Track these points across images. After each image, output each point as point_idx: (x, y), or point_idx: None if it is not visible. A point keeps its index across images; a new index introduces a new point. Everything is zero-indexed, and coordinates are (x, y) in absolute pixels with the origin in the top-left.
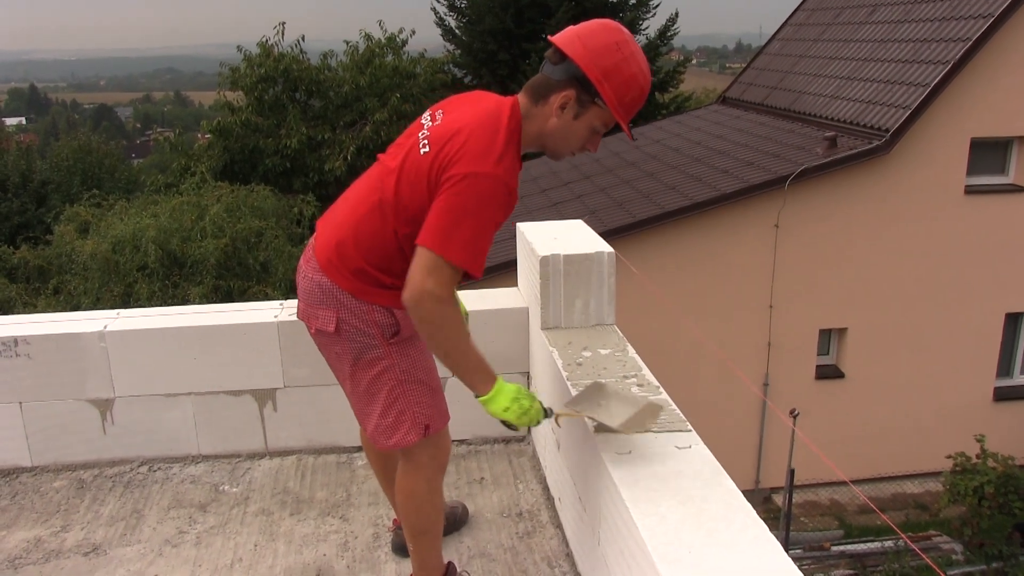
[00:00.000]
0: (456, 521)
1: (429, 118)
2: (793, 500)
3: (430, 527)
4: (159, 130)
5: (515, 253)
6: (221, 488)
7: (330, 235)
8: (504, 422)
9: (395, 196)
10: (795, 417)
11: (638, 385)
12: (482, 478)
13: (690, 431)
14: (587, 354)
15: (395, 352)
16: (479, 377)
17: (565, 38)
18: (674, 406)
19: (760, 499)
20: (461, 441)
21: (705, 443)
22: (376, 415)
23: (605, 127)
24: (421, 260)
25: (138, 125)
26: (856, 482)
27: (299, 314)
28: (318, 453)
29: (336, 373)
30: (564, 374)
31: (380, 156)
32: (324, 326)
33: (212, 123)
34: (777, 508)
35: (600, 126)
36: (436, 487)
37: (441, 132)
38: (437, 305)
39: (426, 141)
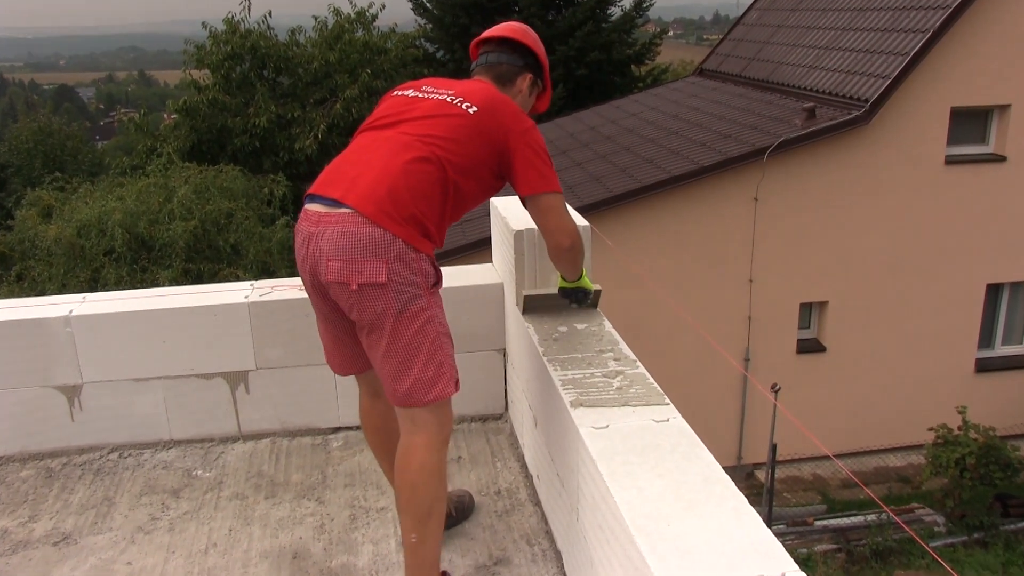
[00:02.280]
0: (464, 509)
1: (430, 90)
2: (776, 476)
3: (438, 506)
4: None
5: (490, 230)
6: (194, 473)
7: (373, 185)
8: (583, 295)
9: (451, 147)
10: (776, 392)
11: (615, 359)
12: (459, 457)
13: (668, 404)
14: (563, 329)
15: (434, 303)
16: (581, 266)
17: (515, 33)
18: (652, 380)
19: (742, 475)
20: None
21: (684, 418)
22: (417, 368)
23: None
24: (550, 204)
25: (101, 106)
26: (839, 456)
27: (329, 275)
28: (292, 435)
29: (368, 334)
30: (540, 350)
31: (369, 130)
32: (372, 278)
33: (178, 102)
34: (760, 484)
35: (535, 99)
36: (444, 460)
37: (481, 96)
38: (581, 238)
39: (465, 102)
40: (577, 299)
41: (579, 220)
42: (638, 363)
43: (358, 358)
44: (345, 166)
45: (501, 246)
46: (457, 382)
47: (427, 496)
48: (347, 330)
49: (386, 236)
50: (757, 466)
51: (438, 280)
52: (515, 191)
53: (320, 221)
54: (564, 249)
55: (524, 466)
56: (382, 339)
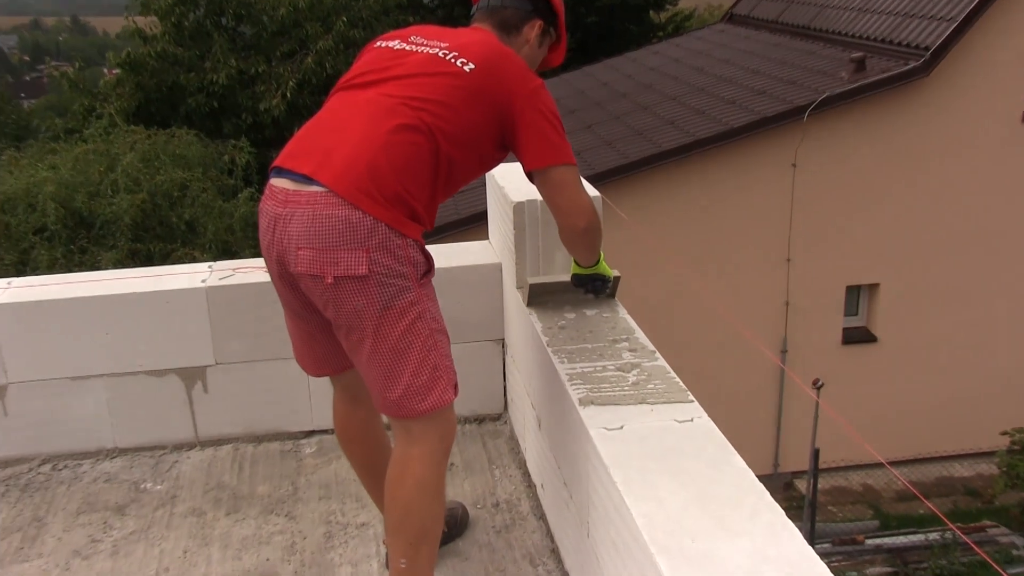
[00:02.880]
0: (457, 524)
1: (419, 42)
2: (819, 486)
3: (434, 529)
4: (54, 64)
5: (485, 202)
6: (142, 486)
7: (350, 159)
8: (602, 281)
9: (444, 113)
10: (819, 388)
11: (631, 350)
12: (452, 464)
13: (692, 402)
14: (570, 315)
15: (425, 296)
16: (599, 249)
17: None
18: (673, 374)
19: (780, 485)
20: None
21: (712, 418)
22: (408, 374)
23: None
24: (563, 178)
25: (26, 58)
26: (893, 464)
27: (300, 266)
28: (258, 441)
29: (348, 335)
30: (544, 339)
31: (346, 89)
32: (351, 270)
33: (121, 55)
34: (800, 495)
35: (547, 51)
36: (443, 476)
37: (479, 51)
38: (598, 217)
39: (461, 58)
40: (594, 288)
41: (589, 191)
42: (657, 355)
43: (333, 356)
44: (317, 134)
45: (499, 221)
46: (456, 386)
47: (423, 517)
48: (321, 326)
49: (366, 220)
50: (797, 475)
51: (429, 268)
52: (520, 164)
53: (288, 201)
54: (579, 231)
55: (526, 474)
56: (365, 341)
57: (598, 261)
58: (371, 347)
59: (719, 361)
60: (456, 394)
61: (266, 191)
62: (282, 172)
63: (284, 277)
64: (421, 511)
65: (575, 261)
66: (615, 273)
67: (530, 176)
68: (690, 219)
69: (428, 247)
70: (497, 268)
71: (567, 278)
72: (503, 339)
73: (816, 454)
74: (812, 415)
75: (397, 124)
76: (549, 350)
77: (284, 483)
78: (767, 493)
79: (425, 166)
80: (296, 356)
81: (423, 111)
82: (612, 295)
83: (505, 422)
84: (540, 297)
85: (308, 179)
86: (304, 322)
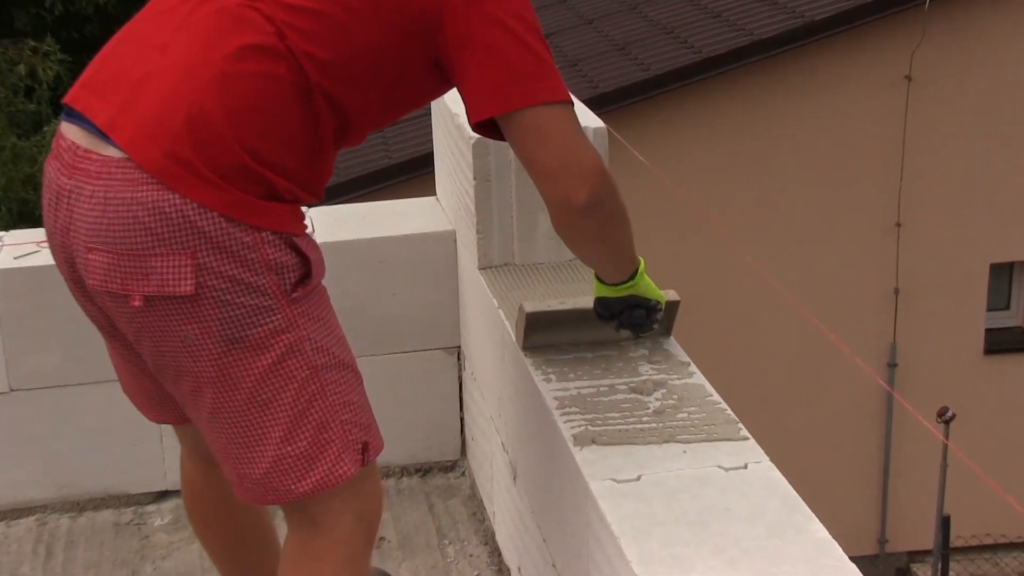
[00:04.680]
0: None
1: None
2: (950, 573)
3: None
4: None
5: (430, 140)
6: None
7: (162, 105)
8: (644, 314)
9: (318, 30)
10: (947, 422)
11: (651, 361)
12: (382, 539)
13: (746, 439)
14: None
15: (302, 316)
16: (631, 254)
17: None
18: (717, 397)
19: (890, 571)
20: None
21: (776, 464)
22: (275, 441)
23: None
24: (546, 122)
25: None
26: None
27: (92, 278)
28: (78, 509)
29: (177, 380)
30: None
31: None
32: (168, 286)
33: None
34: None
35: None
36: (362, 571)
37: None
38: (613, 185)
39: None
40: (633, 321)
41: (588, 121)
42: (692, 367)
43: (173, 400)
44: (124, 56)
45: (451, 166)
46: (368, 446)
47: None
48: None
49: (188, 207)
50: (916, 556)
51: (308, 272)
52: (466, 112)
53: (76, 167)
54: (579, 210)
55: (495, 552)
56: (203, 392)
57: (634, 274)
58: (214, 401)
59: (789, 379)
60: (366, 461)
61: (54, 141)
62: (73, 114)
63: (78, 283)
64: None
65: (596, 276)
66: (669, 296)
67: (485, 128)
68: (743, 160)
69: (335, 208)
70: (449, 238)
71: (587, 303)
72: (459, 348)
73: (945, 525)
74: (938, 464)
75: (241, 45)
76: (529, 362)
77: (120, 574)
78: None
79: (289, 113)
80: (124, 390)
81: (284, 24)
82: (667, 332)
83: (463, 473)
84: (543, 334)
85: (104, 135)
86: (123, 346)
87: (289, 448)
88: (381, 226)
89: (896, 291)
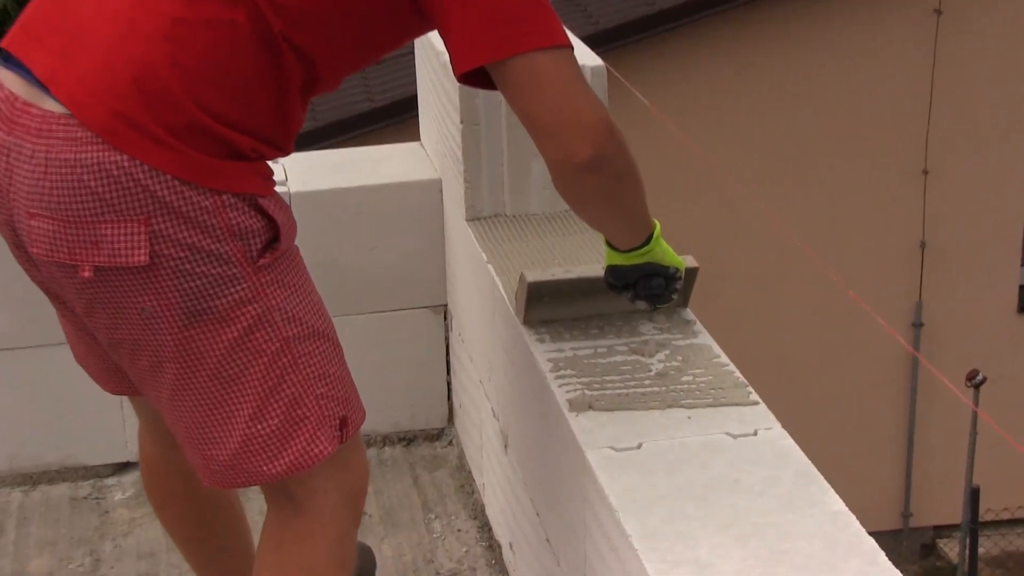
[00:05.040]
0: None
1: None
2: (979, 550)
3: None
4: None
5: (415, 83)
6: None
7: (106, 56)
8: (662, 281)
9: None
10: (977, 386)
11: (652, 321)
12: (364, 513)
13: (756, 404)
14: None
15: (270, 284)
16: (647, 218)
17: None
18: (725, 359)
19: (915, 547)
20: None
21: (790, 432)
22: (244, 420)
23: None
24: (542, 69)
25: None
26: None
27: (36, 247)
28: (31, 482)
29: (133, 357)
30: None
31: None
32: (121, 256)
33: None
34: (948, 564)
35: None
36: (349, 551)
37: None
38: (621, 139)
39: None
40: (649, 291)
41: (586, 59)
42: (698, 326)
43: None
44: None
45: (436, 110)
46: (347, 420)
47: None
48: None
49: (138, 169)
50: (943, 531)
51: (276, 236)
52: (452, 60)
53: (15, 121)
54: (581, 167)
55: (485, 527)
56: (163, 368)
57: (650, 238)
58: (175, 378)
59: (807, 342)
60: (345, 438)
61: None
62: (11, 61)
63: (23, 248)
64: None
65: (607, 242)
66: (688, 262)
67: (473, 78)
68: (757, 107)
69: (309, 155)
70: (434, 187)
71: (597, 271)
72: (445, 306)
73: (974, 497)
74: (967, 432)
75: None
76: (523, 326)
77: (79, 551)
78: (887, 561)
79: (250, 65)
80: (77, 359)
81: None
82: (684, 303)
83: (450, 442)
84: (546, 308)
85: (45, 88)
86: (73, 314)
87: (259, 427)
88: (359, 174)
89: (922, 244)
